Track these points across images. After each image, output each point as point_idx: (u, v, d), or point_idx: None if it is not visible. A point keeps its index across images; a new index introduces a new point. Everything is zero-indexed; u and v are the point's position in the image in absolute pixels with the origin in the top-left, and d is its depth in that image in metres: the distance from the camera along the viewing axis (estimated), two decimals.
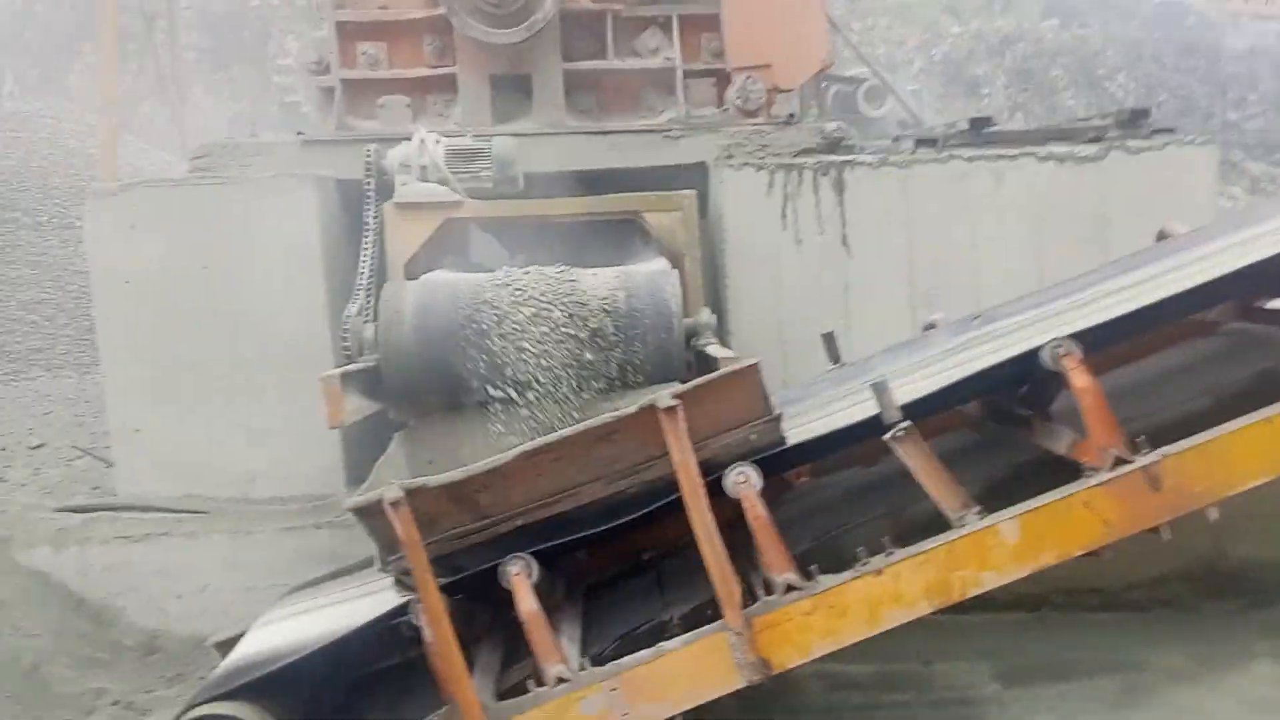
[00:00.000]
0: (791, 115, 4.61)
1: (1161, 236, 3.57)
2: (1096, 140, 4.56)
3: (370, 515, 2.58)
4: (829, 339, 3.79)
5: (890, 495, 3.08)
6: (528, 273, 3.60)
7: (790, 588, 2.62)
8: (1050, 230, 4.45)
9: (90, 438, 6.24)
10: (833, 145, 4.62)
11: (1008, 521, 2.61)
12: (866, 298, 4.43)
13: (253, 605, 4.07)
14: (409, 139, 4.27)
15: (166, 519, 4.26)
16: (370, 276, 3.95)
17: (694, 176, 4.72)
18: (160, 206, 4.23)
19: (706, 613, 2.92)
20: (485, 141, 4.22)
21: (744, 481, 2.65)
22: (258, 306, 4.28)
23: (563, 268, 3.64)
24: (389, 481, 3.16)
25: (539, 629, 2.60)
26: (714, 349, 3.62)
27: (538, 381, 3.41)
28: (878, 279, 4.43)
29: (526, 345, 3.43)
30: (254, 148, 4.55)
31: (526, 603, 2.61)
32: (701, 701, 2.60)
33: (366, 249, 4.00)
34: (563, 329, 3.46)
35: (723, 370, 2.61)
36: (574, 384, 3.44)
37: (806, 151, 4.53)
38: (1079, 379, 2.63)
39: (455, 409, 3.61)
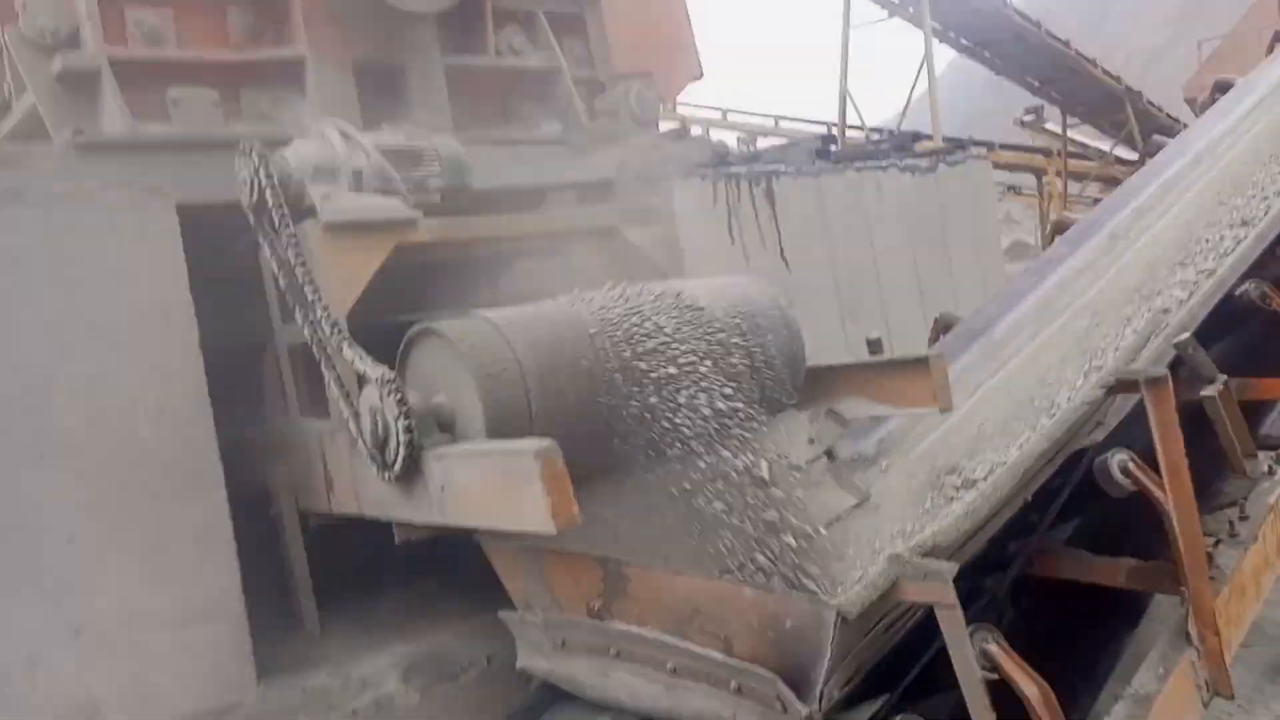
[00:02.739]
0: (684, 128, 4.17)
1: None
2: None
3: None
4: (876, 345, 3.48)
5: None
6: (634, 293, 2.66)
7: None
8: (917, 234, 4.69)
9: None
10: (722, 159, 4.31)
11: None
12: (807, 312, 4.16)
13: None
14: (303, 135, 2.91)
15: None
16: (336, 332, 2.55)
17: (591, 197, 4.02)
18: None
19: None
20: (426, 139, 3.05)
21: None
22: (81, 410, 2.48)
23: (663, 286, 2.78)
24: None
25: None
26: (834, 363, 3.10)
27: (714, 422, 2.53)
28: (813, 292, 4.21)
29: (690, 382, 2.53)
30: None
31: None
32: None
33: (310, 294, 2.58)
34: (712, 359, 2.63)
35: None
36: (742, 420, 2.63)
37: (702, 167, 4.15)
38: None
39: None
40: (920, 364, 2.74)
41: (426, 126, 3.53)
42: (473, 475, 2.12)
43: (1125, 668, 2.23)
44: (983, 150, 5.75)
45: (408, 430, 2.24)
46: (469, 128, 3.77)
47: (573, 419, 2.40)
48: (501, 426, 2.30)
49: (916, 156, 4.87)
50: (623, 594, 2.07)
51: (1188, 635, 2.14)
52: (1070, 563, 2.43)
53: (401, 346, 2.55)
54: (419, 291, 3.26)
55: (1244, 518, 2.44)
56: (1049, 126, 18.81)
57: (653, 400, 2.51)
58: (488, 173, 3.59)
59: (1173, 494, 2.08)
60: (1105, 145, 19.59)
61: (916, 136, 5.56)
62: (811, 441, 2.93)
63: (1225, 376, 2.54)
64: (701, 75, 4.78)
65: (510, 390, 2.31)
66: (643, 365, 2.51)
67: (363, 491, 2.65)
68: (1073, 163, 18.51)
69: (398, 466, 2.29)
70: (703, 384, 2.61)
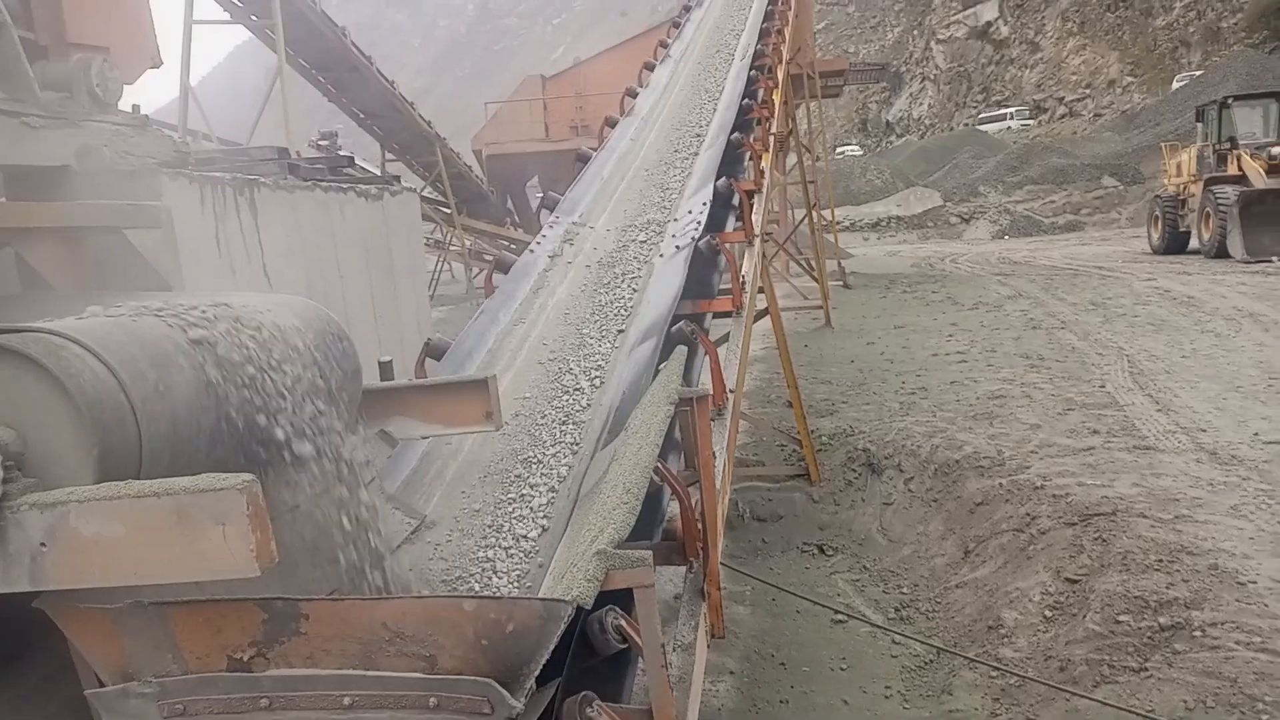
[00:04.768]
0: (146, 116, 3.73)
1: None
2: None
3: None
4: (387, 369, 3.63)
5: None
6: (217, 308, 2.39)
7: None
8: (372, 259, 4.88)
9: None
10: (184, 159, 3.95)
11: None
12: None
13: None
14: None
15: None
16: None
17: (33, 186, 3.33)
18: None
19: None
20: None
21: None
22: None
23: (239, 299, 2.53)
24: None
25: None
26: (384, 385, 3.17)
27: (317, 445, 2.46)
28: None
29: (296, 407, 2.41)
30: None
31: None
32: None
33: None
34: (308, 381, 2.54)
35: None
36: (337, 444, 2.59)
37: (178, 166, 3.78)
38: None
39: None
40: (477, 385, 3.02)
41: None
42: (113, 524, 1.77)
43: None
44: (410, 184, 6.15)
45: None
46: None
47: (183, 453, 2.13)
48: (112, 467, 1.94)
49: (365, 182, 5.05)
50: (292, 634, 1.95)
51: (702, 593, 2.84)
52: None
53: None
54: None
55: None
56: (343, 153, 20.10)
57: (264, 423, 2.35)
58: None
59: (704, 482, 2.75)
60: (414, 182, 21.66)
61: (343, 164, 5.70)
62: (367, 464, 2.99)
63: None
64: (161, 63, 4.24)
65: (119, 424, 1.96)
66: (253, 388, 2.34)
67: None
68: None
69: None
70: (305, 409, 2.54)
